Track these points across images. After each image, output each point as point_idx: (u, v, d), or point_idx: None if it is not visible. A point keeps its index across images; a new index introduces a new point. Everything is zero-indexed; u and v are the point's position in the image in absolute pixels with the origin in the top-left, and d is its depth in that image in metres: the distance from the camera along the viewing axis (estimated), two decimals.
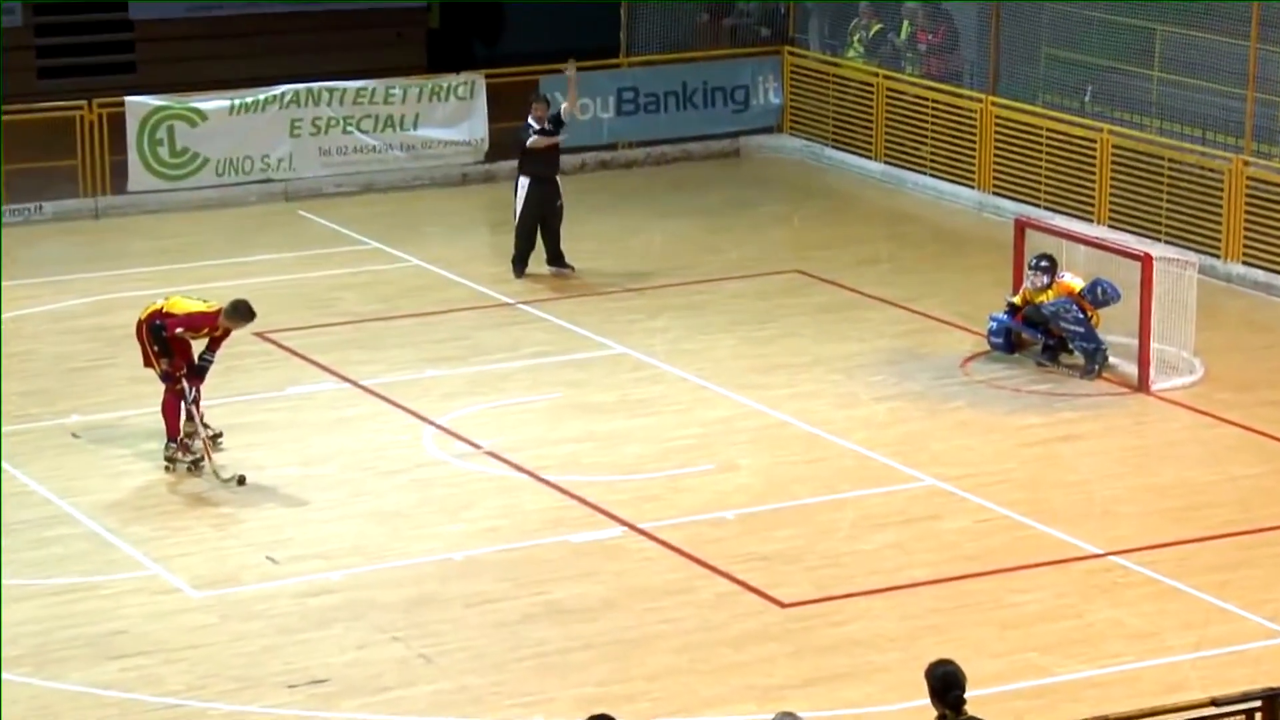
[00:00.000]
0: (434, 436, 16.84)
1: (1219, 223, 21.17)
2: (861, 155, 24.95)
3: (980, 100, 23.61)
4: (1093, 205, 22.32)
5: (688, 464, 16.32)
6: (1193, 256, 18.80)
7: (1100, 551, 14.81)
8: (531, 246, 21.03)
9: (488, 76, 24.60)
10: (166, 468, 15.98)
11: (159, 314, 16.00)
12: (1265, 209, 20.88)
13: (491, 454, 16.33)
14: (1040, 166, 22.96)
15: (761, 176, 24.97)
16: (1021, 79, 23.70)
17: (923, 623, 13.75)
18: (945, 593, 14.17)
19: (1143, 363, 17.90)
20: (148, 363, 16.11)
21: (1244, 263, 20.95)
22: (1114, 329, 18.48)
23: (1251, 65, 21.38)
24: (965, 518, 15.40)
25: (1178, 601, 14.04)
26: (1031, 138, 23.03)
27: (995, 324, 18.44)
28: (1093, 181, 22.37)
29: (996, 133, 23.41)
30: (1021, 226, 19.10)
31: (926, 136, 24.26)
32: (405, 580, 14.41)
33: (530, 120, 21.34)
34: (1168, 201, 21.66)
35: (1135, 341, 17.98)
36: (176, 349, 15.99)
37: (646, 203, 23.76)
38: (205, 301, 16.31)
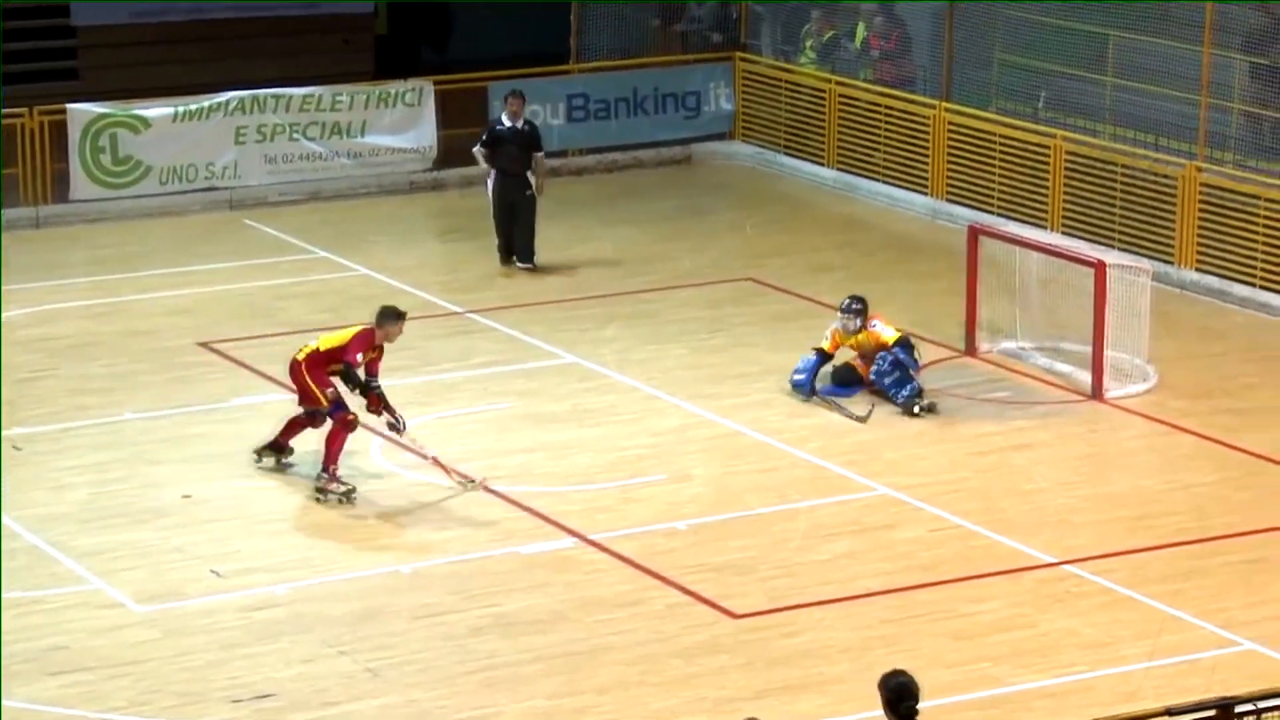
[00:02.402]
0: (382, 447, 16.80)
1: (1172, 229, 21.27)
2: (814, 162, 24.99)
3: (933, 106, 23.68)
4: (1046, 212, 22.41)
5: (639, 474, 16.33)
6: (1146, 263, 18.90)
7: (1054, 561, 14.86)
8: (508, 238, 21.39)
9: (436, 83, 24.57)
10: (318, 499, 15.70)
11: (330, 355, 15.85)
12: (1218, 215, 20.99)
13: (438, 464, 16.29)
14: (993, 173, 23.03)
15: (713, 183, 24.99)
16: (975, 85, 23.79)
17: (876, 633, 13.77)
18: (899, 603, 14.20)
19: (1096, 370, 17.95)
20: (310, 400, 15.94)
21: (1198, 269, 21.06)
22: (1068, 336, 18.55)
23: (1205, 71, 21.50)
24: (919, 527, 15.43)
25: (1132, 611, 14.10)
26: (985, 144, 23.11)
27: (802, 363, 17.70)
28: (1046, 188, 22.46)
29: (949, 139, 23.49)
30: (975, 234, 19.16)
31: (879, 143, 24.32)
32: (352, 593, 14.37)
33: (504, 116, 21.52)
34: (1121, 208, 21.75)
35: (1089, 349, 18.03)
36: (326, 380, 15.91)
37: (597, 210, 23.76)
38: (335, 332, 16.18)
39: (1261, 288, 20.54)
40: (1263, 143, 21.40)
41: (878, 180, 24.30)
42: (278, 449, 16.33)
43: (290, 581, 14.51)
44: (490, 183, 21.43)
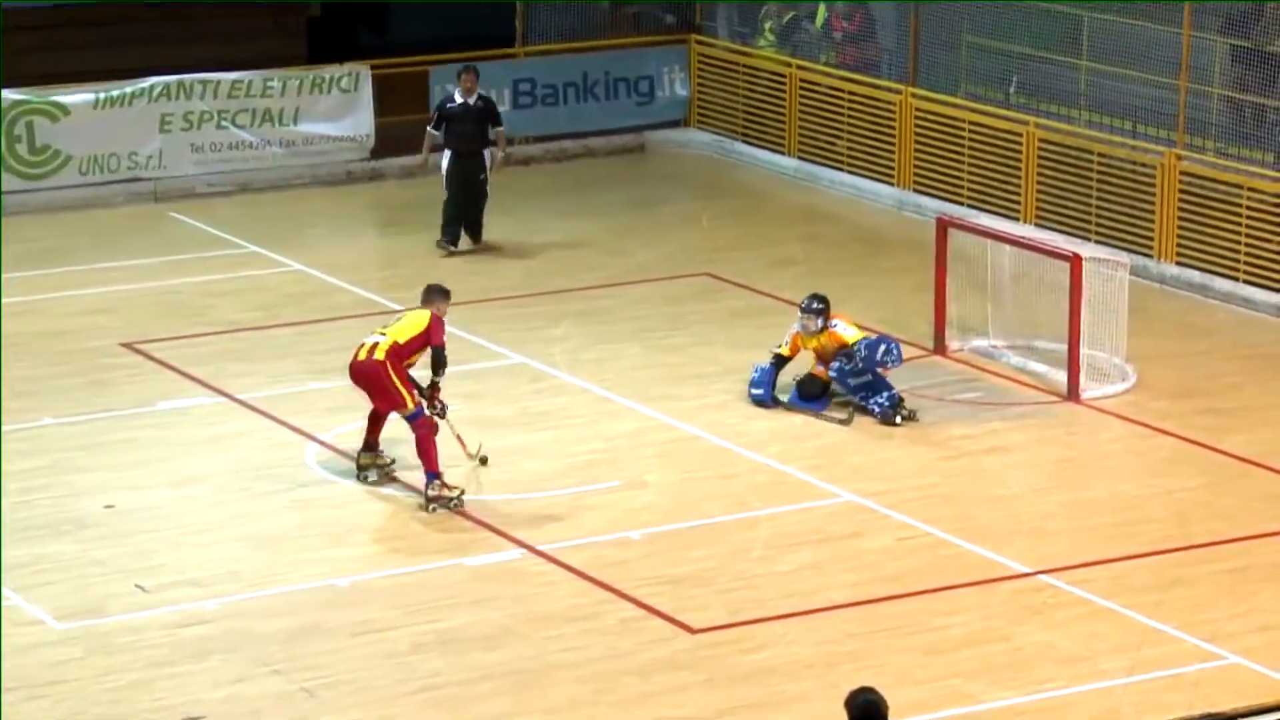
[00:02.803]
0: (318, 454, 16.75)
1: (1152, 221, 21.35)
2: (774, 150, 25.03)
3: (899, 92, 23.72)
4: (1019, 203, 22.48)
5: (591, 481, 16.32)
6: (1124, 257, 18.96)
7: (1029, 571, 14.90)
8: (457, 220, 21.53)
9: (374, 67, 24.53)
10: (431, 509, 15.68)
11: (411, 346, 15.86)
12: (1200, 206, 21.08)
13: (384, 470, 16.24)
14: (963, 162, 23.09)
15: (668, 173, 25.01)
16: (942, 69, 23.84)
17: (842, 648, 13.79)
18: (865, 616, 14.22)
19: (1072, 370, 18.01)
20: (394, 405, 15.86)
21: (1178, 263, 21.14)
22: (1042, 334, 18.60)
23: (1185, 54, 21.58)
24: (886, 536, 15.46)
25: (1111, 623, 14.14)
26: (953, 131, 23.17)
27: (758, 375, 17.60)
28: (1018, 177, 22.53)
29: (916, 126, 23.54)
30: (944, 226, 19.20)
31: (842, 130, 24.37)
32: (286, 609, 14.32)
33: (456, 93, 21.64)
34: (1098, 198, 21.83)
35: (1064, 347, 18.08)
36: (410, 379, 15.88)
37: (545, 202, 23.75)
38: (400, 320, 16.12)
39: (1245, 282, 20.64)
40: (1245, 129, 21.49)
41: (841, 170, 24.34)
42: (372, 449, 16.15)
43: (220, 596, 14.45)
44: (444, 164, 21.56)
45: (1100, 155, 21.89)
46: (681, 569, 14.91)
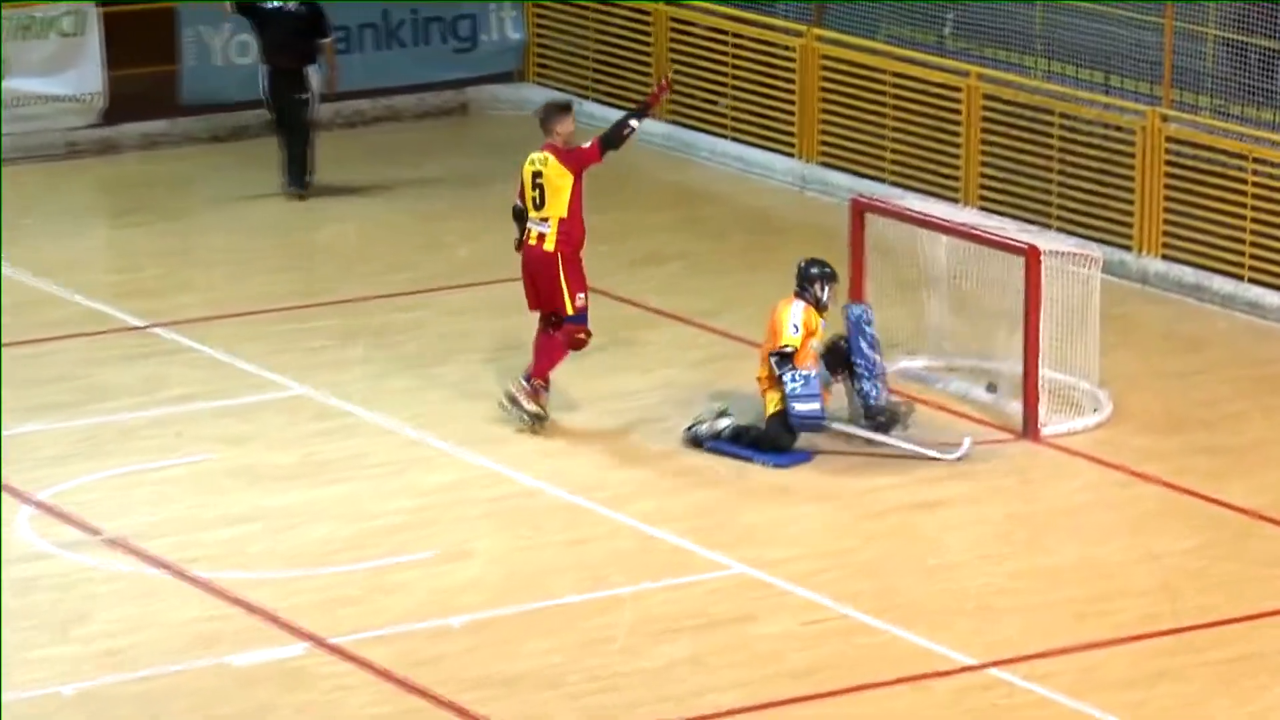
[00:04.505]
0: (33, 519, 16.61)
1: (1131, 203, 21.49)
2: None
3: (800, 35, 23.80)
4: (958, 180, 22.58)
5: (397, 551, 16.27)
6: (1096, 249, 19.03)
7: (975, 662, 14.98)
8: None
9: (102, 5, 24.37)
10: (503, 405, 17.85)
11: (573, 220, 17.91)
12: (1193, 183, 21.22)
13: (116, 542, 16.13)
14: (885, 128, 23.18)
15: (497, 142, 24.93)
16: (857, 6, 23.93)
17: None
18: None
19: (1029, 398, 18.08)
20: (554, 302, 18.00)
21: (1165, 257, 21.30)
22: (990, 351, 18.72)
23: None
24: (789, 619, 15.50)
25: None
26: (871, 87, 23.26)
27: (805, 384, 17.56)
28: (957, 146, 22.63)
29: (823, 81, 23.62)
30: (860, 209, 19.25)
31: (726, 86, 24.43)
32: None
33: None
34: (1060, 173, 21.97)
35: (1019, 368, 18.16)
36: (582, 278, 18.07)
37: (336, 181, 23.64)
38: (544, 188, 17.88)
39: (1251, 281, 20.81)
40: (1249, 81, 21.61)
41: (724, 138, 24.40)
42: (539, 394, 18.00)
43: None
44: (262, 82, 22.19)
45: (1063, 117, 22.02)
46: (518, 665, 14.88)
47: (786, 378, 17.53)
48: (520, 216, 18.09)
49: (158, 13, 24.39)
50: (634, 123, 18.36)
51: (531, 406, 17.90)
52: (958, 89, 22.61)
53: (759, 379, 17.83)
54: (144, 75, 23.55)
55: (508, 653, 15.07)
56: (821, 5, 24.05)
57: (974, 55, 23.06)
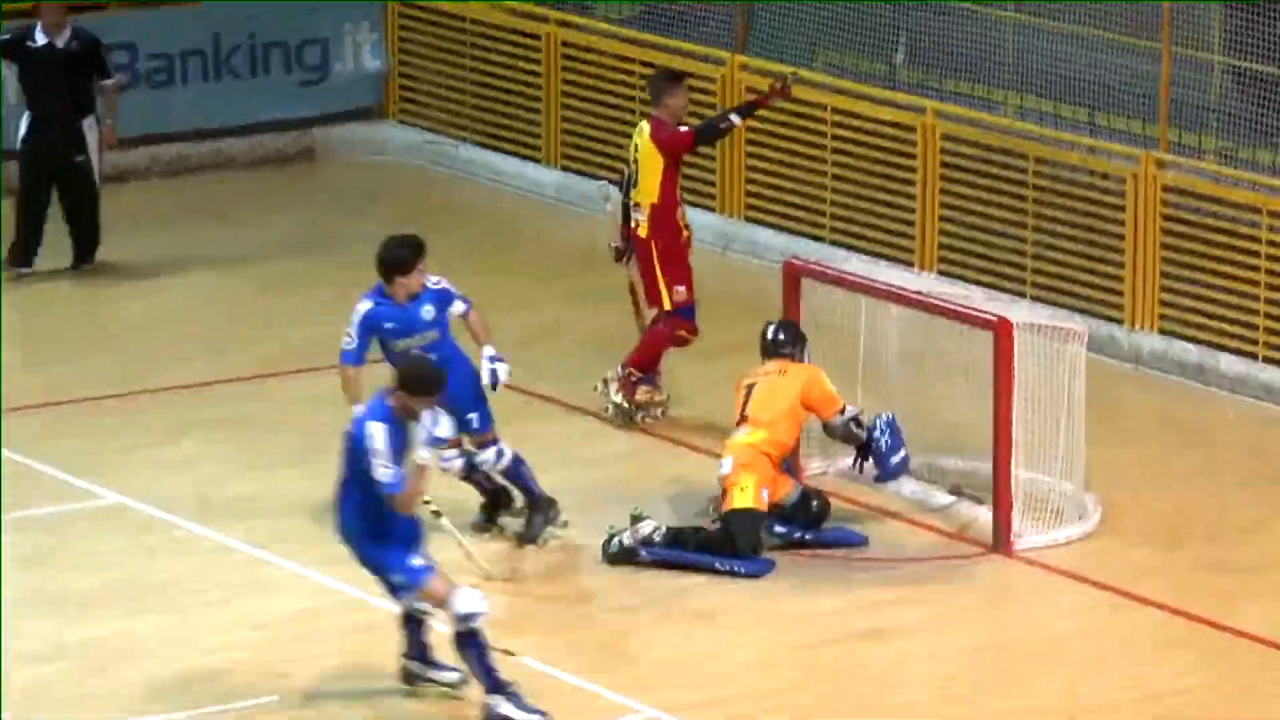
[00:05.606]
0: None
1: (1120, 266, 21.56)
2: (524, 157, 25.12)
3: (722, 64, 23.83)
4: (912, 239, 22.62)
5: (235, 696, 16.16)
6: (1079, 322, 19.08)
7: None
8: (38, 228, 22.31)
9: None
10: (596, 388, 19.72)
11: (665, 206, 19.64)
12: (1194, 242, 21.27)
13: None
14: (824, 175, 23.21)
15: (352, 192, 25.01)
16: (788, 28, 23.96)
17: None
18: None
19: (1001, 503, 18.13)
20: (650, 297, 19.79)
21: (1162, 332, 21.38)
22: (952, 447, 18.69)
23: (1164, 8, 21.78)
24: None
25: None
26: (809, 127, 23.28)
27: (892, 435, 18.33)
28: (911, 199, 22.68)
29: (750, 120, 23.54)
30: (794, 274, 19.27)
31: (632, 126, 24.33)
32: None
33: (37, 31, 22.20)
34: (1035, 231, 21.99)
35: (988, 466, 18.21)
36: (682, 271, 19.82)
37: (154, 242, 23.72)
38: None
39: (1266, 360, 20.93)
40: (1263, 118, 21.62)
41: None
42: (653, 382, 19.76)
43: None
44: (21, 132, 22.30)
45: (1038, 162, 22.06)
46: None
47: (876, 432, 18.25)
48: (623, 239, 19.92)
49: None
50: (735, 119, 19.96)
51: (618, 398, 19.46)
52: (911, 129, 22.69)
53: (737, 467, 17.95)
54: None
55: None
56: (746, 26, 24.04)
57: (931, 89, 23.14)
